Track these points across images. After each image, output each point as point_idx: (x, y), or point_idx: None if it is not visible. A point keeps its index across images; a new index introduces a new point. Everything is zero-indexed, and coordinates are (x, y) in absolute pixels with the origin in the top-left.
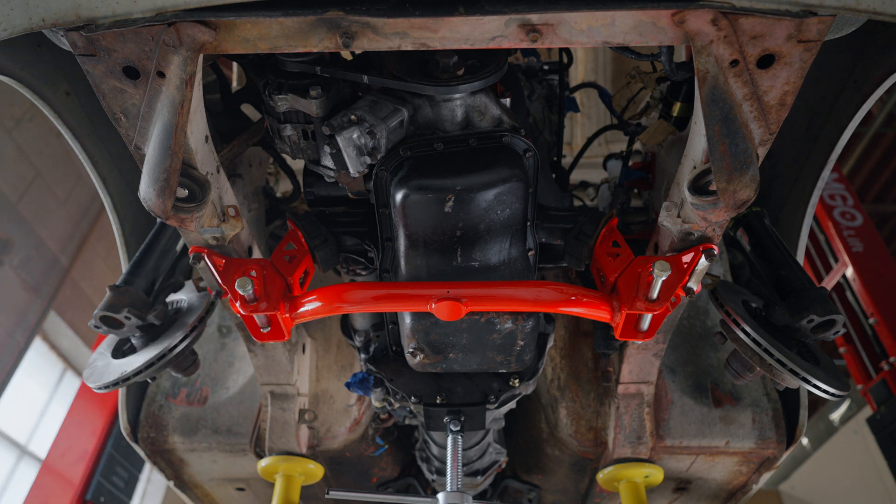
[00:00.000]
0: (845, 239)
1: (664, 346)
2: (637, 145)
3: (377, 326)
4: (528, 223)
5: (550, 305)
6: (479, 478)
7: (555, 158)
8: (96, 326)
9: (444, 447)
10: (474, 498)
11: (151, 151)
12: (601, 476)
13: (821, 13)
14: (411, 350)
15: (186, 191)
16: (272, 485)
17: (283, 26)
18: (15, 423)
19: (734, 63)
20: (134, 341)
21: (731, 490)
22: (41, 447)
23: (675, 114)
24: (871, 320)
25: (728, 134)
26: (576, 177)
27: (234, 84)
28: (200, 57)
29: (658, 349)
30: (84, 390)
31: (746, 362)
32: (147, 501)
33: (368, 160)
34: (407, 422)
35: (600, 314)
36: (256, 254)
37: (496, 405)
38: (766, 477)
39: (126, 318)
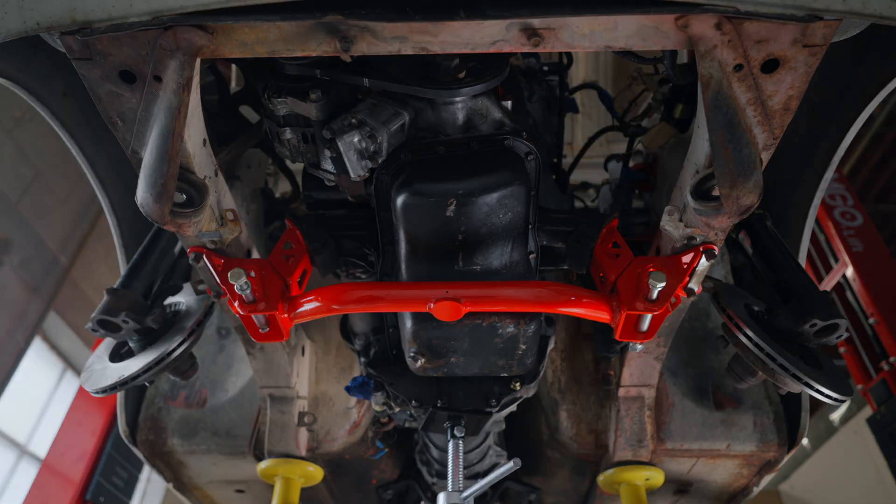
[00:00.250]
0: (845, 239)
1: (665, 350)
2: (639, 146)
3: (377, 330)
4: (530, 226)
5: (550, 306)
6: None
7: (555, 160)
8: (93, 330)
9: (444, 450)
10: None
11: (148, 156)
12: (602, 479)
13: (826, 17)
14: (412, 354)
15: (184, 195)
16: (272, 487)
17: (282, 30)
18: (15, 423)
19: (738, 68)
20: (132, 345)
21: (731, 492)
22: (41, 447)
23: (676, 116)
24: (871, 320)
25: (731, 139)
26: (577, 177)
27: (233, 85)
28: (198, 61)
29: (659, 352)
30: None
31: (748, 366)
32: (147, 502)
33: (369, 164)
34: (407, 425)
35: (600, 315)
36: (255, 255)
37: (497, 409)
38: (766, 479)
39: (124, 321)
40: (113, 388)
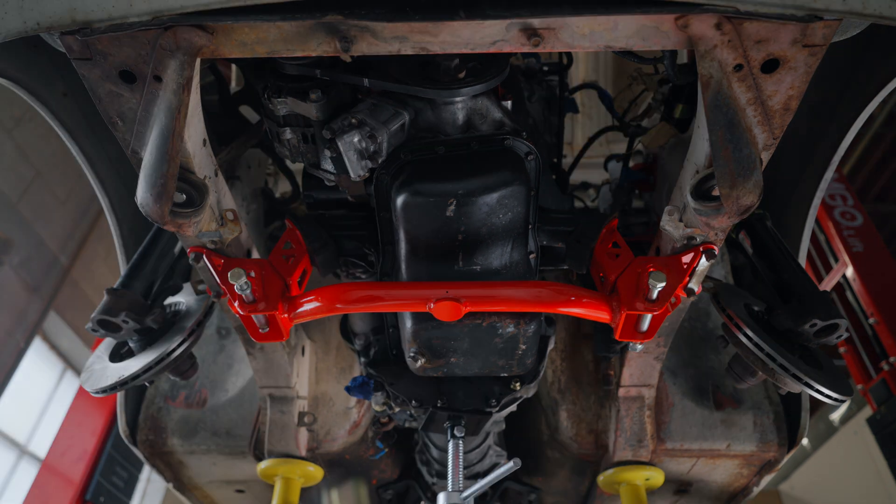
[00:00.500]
0: (845, 239)
1: (665, 350)
2: (639, 146)
3: (377, 330)
4: (530, 226)
5: (549, 306)
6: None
7: (555, 160)
8: (93, 330)
9: (444, 450)
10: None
11: (148, 156)
12: (602, 478)
13: (826, 17)
14: (412, 354)
15: (184, 195)
16: (272, 487)
17: (282, 30)
18: (15, 423)
19: (738, 68)
20: (132, 345)
21: (731, 492)
22: (41, 447)
23: (676, 116)
24: (871, 320)
25: (731, 139)
26: (577, 177)
27: (233, 85)
28: (198, 61)
29: (659, 352)
30: (84, 391)
31: (748, 366)
32: (147, 502)
33: (369, 164)
34: (407, 425)
35: (599, 314)
36: (255, 255)
37: (497, 409)
38: (767, 479)
39: (123, 321)
40: (113, 388)
